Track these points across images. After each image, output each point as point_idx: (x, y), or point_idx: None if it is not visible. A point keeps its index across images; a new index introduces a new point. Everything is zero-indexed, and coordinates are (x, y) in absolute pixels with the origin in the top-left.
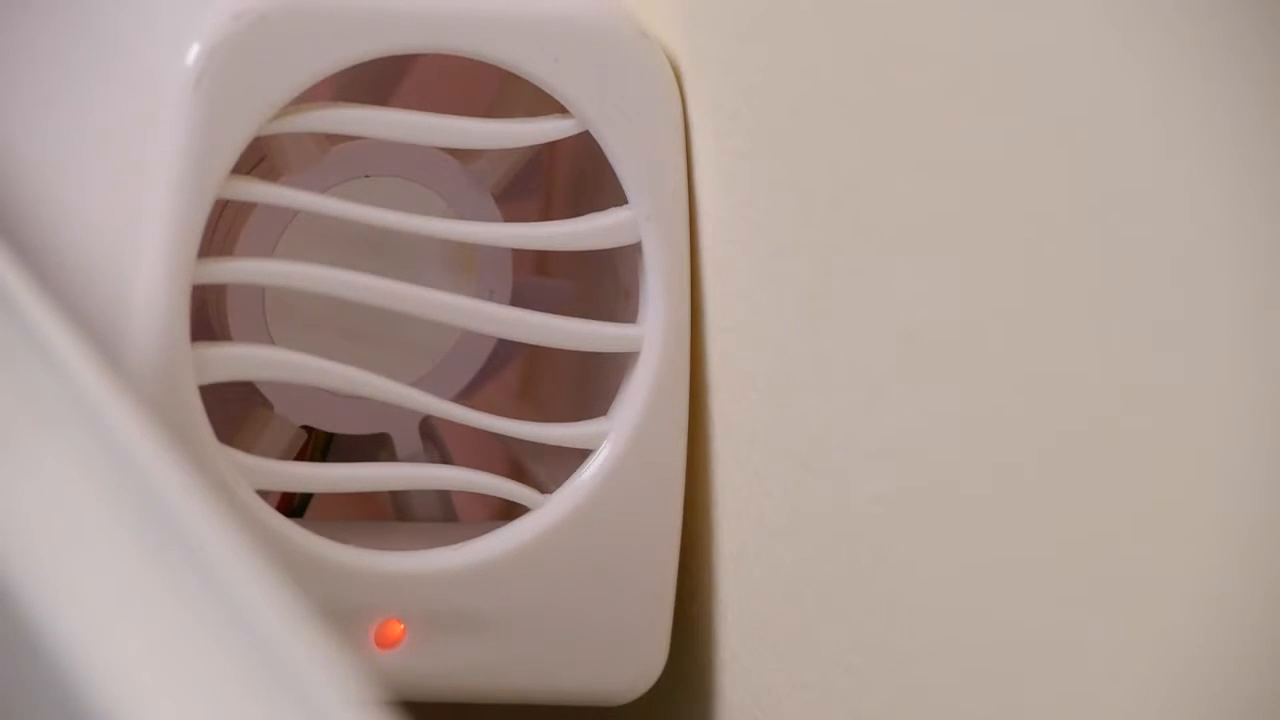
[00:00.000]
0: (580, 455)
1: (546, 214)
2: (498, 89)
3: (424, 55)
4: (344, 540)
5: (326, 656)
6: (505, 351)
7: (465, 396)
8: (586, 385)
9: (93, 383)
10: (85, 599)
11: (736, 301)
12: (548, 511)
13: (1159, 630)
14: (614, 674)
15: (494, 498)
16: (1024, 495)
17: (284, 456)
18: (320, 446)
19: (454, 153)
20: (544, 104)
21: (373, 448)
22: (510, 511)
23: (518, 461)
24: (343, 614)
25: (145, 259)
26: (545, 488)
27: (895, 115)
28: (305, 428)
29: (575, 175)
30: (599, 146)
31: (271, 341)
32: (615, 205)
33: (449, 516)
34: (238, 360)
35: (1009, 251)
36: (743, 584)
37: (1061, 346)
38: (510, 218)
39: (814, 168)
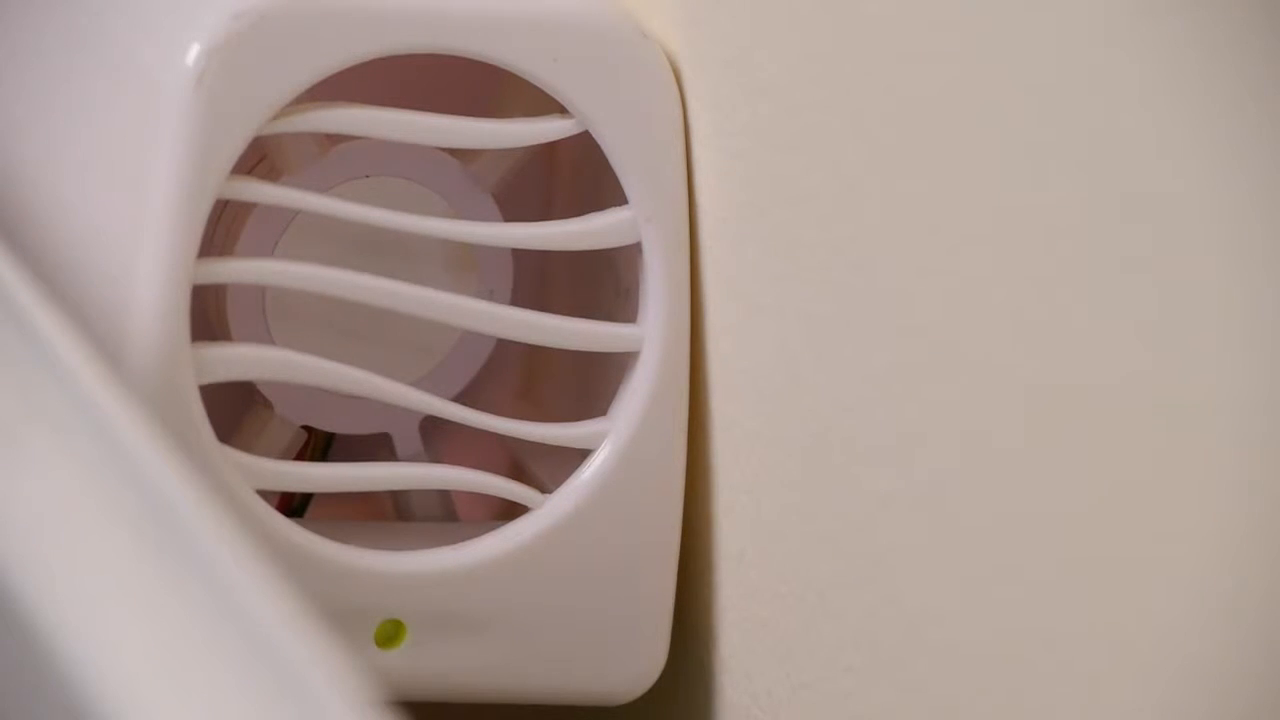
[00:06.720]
0: (580, 455)
1: (546, 214)
2: (497, 89)
3: (424, 55)
4: (344, 540)
5: (327, 656)
6: (505, 351)
7: (465, 396)
8: (586, 385)
9: (93, 382)
10: (85, 599)
11: (736, 301)
12: (548, 511)
13: (1159, 630)
14: (614, 674)
15: (494, 498)
16: (1024, 494)
17: (284, 456)
18: (320, 446)
19: (454, 153)
20: (544, 104)
21: (373, 448)
22: (510, 511)
23: (518, 461)
24: (343, 614)
25: (145, 259)
26: (545, 488)
27: (895, 115)
28: (305, 428)
29: (575, 175)
30: (599, 146)
31: (271, 341)
32: (615, 205)
33: (449, 516)
34: (238, 360)
35: (1008, 250)
36: (743, 584)
37: (1061, 345)
38: (510, 218)
39: (814, 168)
